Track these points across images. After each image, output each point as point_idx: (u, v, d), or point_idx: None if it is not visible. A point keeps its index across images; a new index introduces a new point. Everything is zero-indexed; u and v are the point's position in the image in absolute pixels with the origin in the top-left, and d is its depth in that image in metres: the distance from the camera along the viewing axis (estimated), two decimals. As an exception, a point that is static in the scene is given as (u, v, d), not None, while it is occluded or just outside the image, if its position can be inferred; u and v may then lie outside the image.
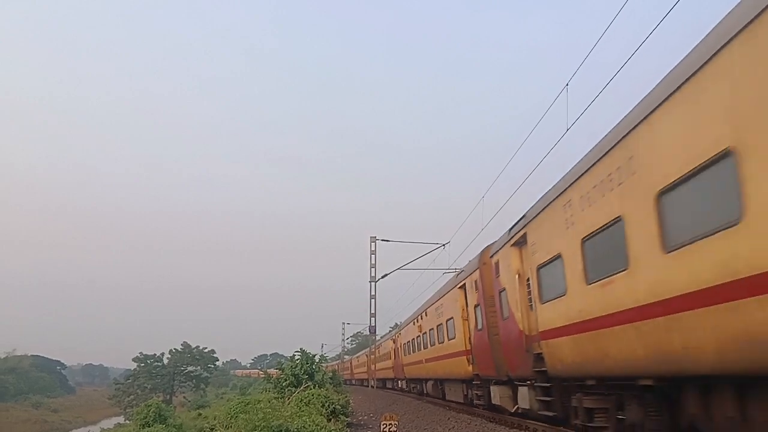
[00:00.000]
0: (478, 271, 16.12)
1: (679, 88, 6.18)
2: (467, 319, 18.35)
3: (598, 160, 8.12)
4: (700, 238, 5.74)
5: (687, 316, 5.96)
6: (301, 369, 22.77)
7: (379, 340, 47.18)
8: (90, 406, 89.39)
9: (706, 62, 5.71)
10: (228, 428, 15.37)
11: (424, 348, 26.51)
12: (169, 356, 79.74)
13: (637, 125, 7.08)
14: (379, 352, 46.32)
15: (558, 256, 9.80)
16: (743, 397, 5.92)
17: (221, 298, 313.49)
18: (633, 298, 7.15)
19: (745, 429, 5.92)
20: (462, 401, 21.12)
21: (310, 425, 12.98)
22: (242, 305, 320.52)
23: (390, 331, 49.66)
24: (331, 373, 27.58)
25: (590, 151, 8.70)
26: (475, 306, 16.77)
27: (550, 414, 11.39)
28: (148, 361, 77.50)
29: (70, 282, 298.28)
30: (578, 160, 9.18)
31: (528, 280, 11.96)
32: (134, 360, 78.31)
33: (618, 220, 7.46)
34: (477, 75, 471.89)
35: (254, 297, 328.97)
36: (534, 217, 11.29)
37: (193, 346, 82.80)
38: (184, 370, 79.86)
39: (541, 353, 10.93)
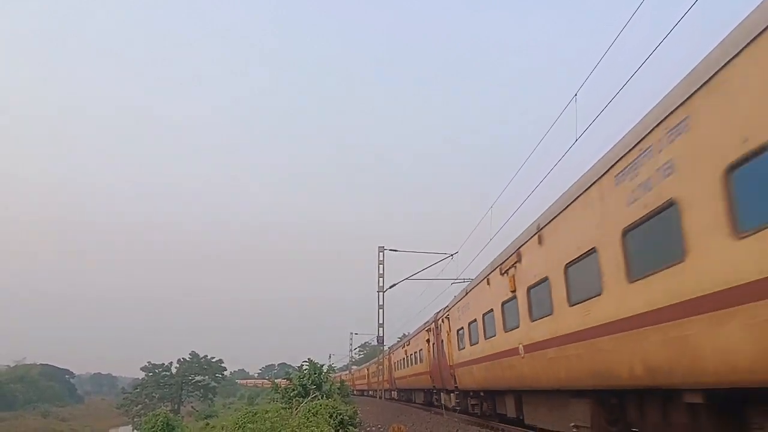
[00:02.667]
0: (434, 323, 24.86)
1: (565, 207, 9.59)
2: (429, 351, 26.51)
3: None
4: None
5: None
6: (309, 379, 22.78)
7: (386, 351, 47.24)
8: (98, 415, 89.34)
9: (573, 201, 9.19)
10: (236, 438, 15.33)
11: (407, 366, 34.81)
12: (177, 366, 79.84)
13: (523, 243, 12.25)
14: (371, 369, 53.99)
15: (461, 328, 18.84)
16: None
17: (229, 308, 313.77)
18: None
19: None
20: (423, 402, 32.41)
21: (317, 436, 12.93)
22: (250, 315, 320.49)
23: (398, 341, 49.69)
24: (338, 384, 27.52)
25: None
26: (432, 344, 25.21)
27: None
28: (157, 371, 77.60)
29: (79, 292, 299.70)
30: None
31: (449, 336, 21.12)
32: (142, 369, 78.50)
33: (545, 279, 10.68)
34: (484, 85, 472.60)
35: (262, 307, 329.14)
36: (452, 306, 20.65)
37: (201, 355, 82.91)
38: (192, 379, 79.87)
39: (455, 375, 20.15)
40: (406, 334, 46.42)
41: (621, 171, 7.32)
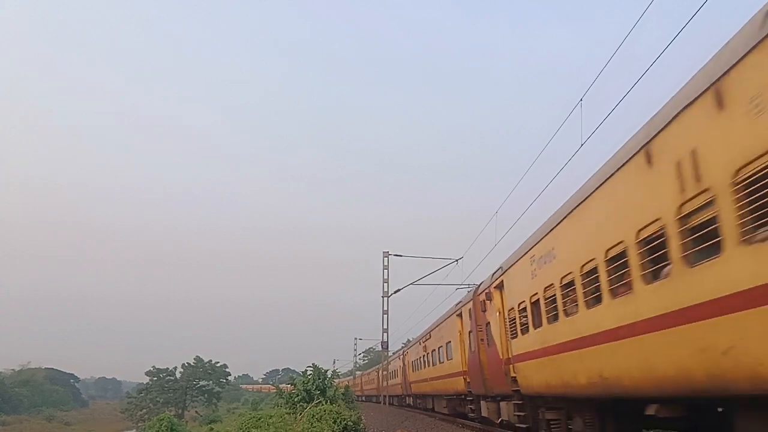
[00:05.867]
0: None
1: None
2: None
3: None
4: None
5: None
6: (313, 384, 22.74)
7: (391, 356, 47.00)
8: (102, 419, 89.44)
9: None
10: (240, 443, 15.32)
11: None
12: (182, 370, 79.84)
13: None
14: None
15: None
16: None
17: (234, 313, 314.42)
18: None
19: None
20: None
21: (322, 441, 12.91)
22: (255, 320, 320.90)
23: (402, 347, 49.44)
24: (343, 389, 27.46)
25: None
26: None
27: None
28: (161, 375, 77.60)
29: (84, 296, 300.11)
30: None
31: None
32: (147, 374, 78.46)
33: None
34: (491, 91, 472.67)
35: (267, 312, 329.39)
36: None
37: (206, 360, 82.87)
38: (196, 384, 79.84)
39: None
40: (410, 340, 46.11)
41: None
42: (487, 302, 16.23)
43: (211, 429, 29.55)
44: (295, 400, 21.99)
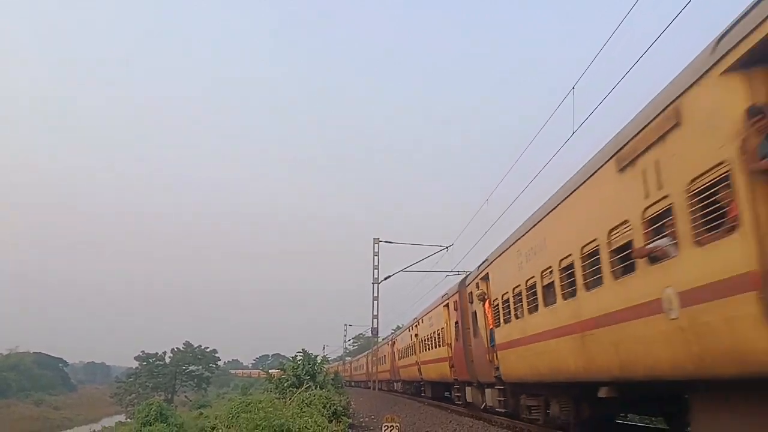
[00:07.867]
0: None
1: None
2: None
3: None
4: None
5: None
6: (302, 369, 22.83)
7: (381, 342, 47.60)
8: (91, 404, 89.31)
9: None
10: (229, 428, 15.35)
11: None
12: (171, 355, 79.95)
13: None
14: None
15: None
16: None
17: (224, 299, 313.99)
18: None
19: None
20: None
21: (311, 425, 12.95)
22: (245, 306, 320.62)
23: (392, 333, 49.88)
24: (332, 375, 27.60)
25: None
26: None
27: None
28: (150, 360, 77.62)
29: (73, 280, 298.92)
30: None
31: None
32: (136, 359, 78.52)
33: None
34: (485, 78, 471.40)
35: (256, 298, 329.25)
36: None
37: (195, 345, 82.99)
38: (185, 369, 79.97)
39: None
40: (401, 326, 46.58)
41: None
42: (392, 345, 37.99)
43: (201, 413, 29.59)
44: (285, 385, 22.07)
